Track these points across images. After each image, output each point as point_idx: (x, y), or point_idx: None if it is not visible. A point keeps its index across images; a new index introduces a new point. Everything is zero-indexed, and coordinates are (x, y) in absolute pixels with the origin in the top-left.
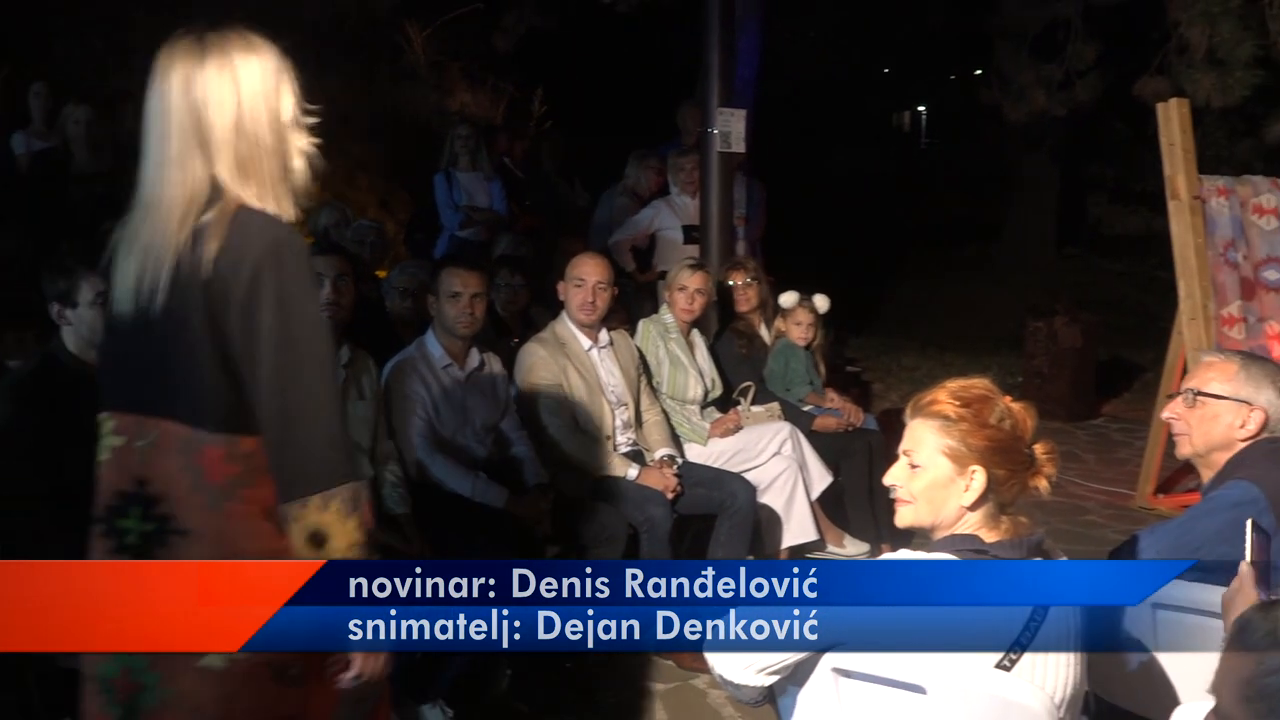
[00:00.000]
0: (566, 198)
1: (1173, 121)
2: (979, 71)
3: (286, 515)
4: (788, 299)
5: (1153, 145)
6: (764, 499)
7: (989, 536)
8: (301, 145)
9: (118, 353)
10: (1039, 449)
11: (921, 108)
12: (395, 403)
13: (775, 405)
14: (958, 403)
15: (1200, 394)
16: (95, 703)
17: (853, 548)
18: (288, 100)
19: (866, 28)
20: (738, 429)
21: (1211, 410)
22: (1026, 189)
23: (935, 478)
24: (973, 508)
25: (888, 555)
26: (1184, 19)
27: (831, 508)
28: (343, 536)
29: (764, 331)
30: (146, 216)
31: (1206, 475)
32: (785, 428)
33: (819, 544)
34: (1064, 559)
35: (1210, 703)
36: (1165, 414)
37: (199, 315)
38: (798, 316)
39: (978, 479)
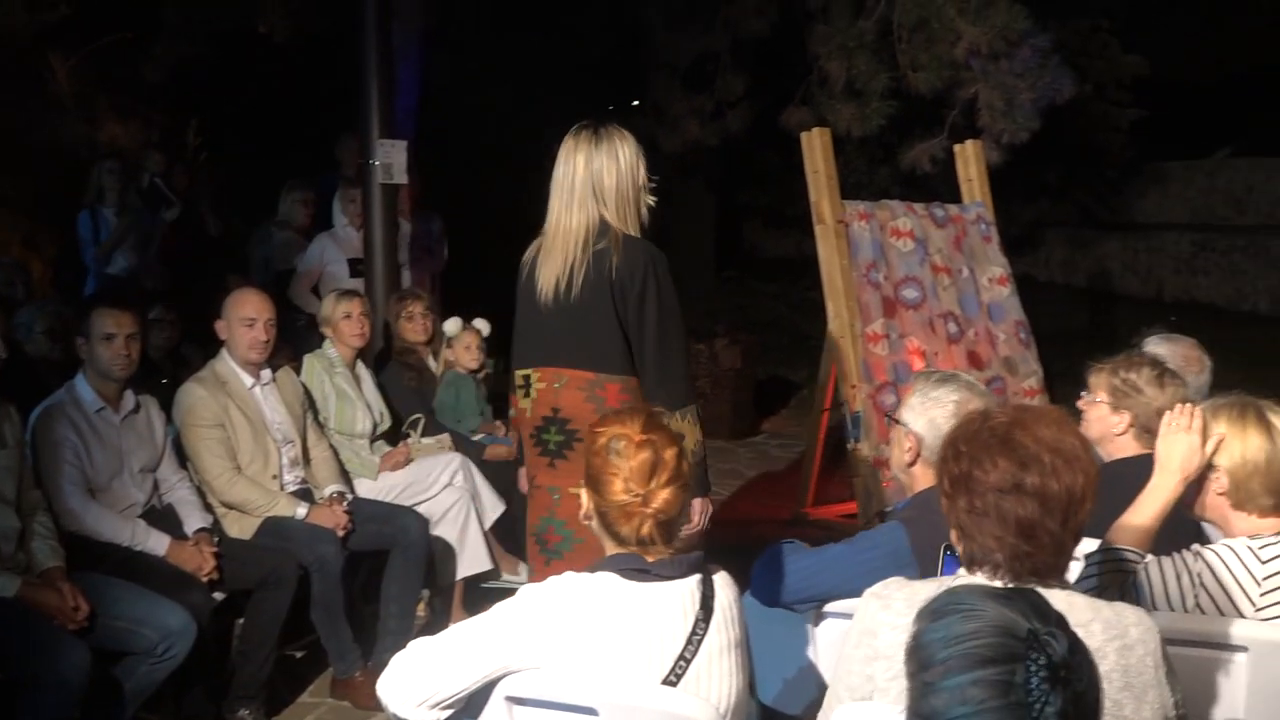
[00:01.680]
0: (212, 230)
1: (816, 150)
2: (636, 103)
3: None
4: (451, 325)
5: (800, 172)
6: (437, 531)
7: (650, 556)
8: (647, 198)
9: (536, 328)
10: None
11: None
12: (43, 450)
13: (445, 436)
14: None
15: (889, 417)
16: (533, 550)
17: (527, 575)
18: (641, 170)
19: (526, 59)
20: (408, 462)
21: (895, 433)
22: (685, 216)
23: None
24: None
25: (554, 578)
26: (824, 53)
27: (505, 536)
28: (691, 437)
29: (432, 363)
30: (556, 241)
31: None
32: (456, 459)
33: (494, 573)
34: (722, 573)
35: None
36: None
37: (605, 302)
38: (465, 340)
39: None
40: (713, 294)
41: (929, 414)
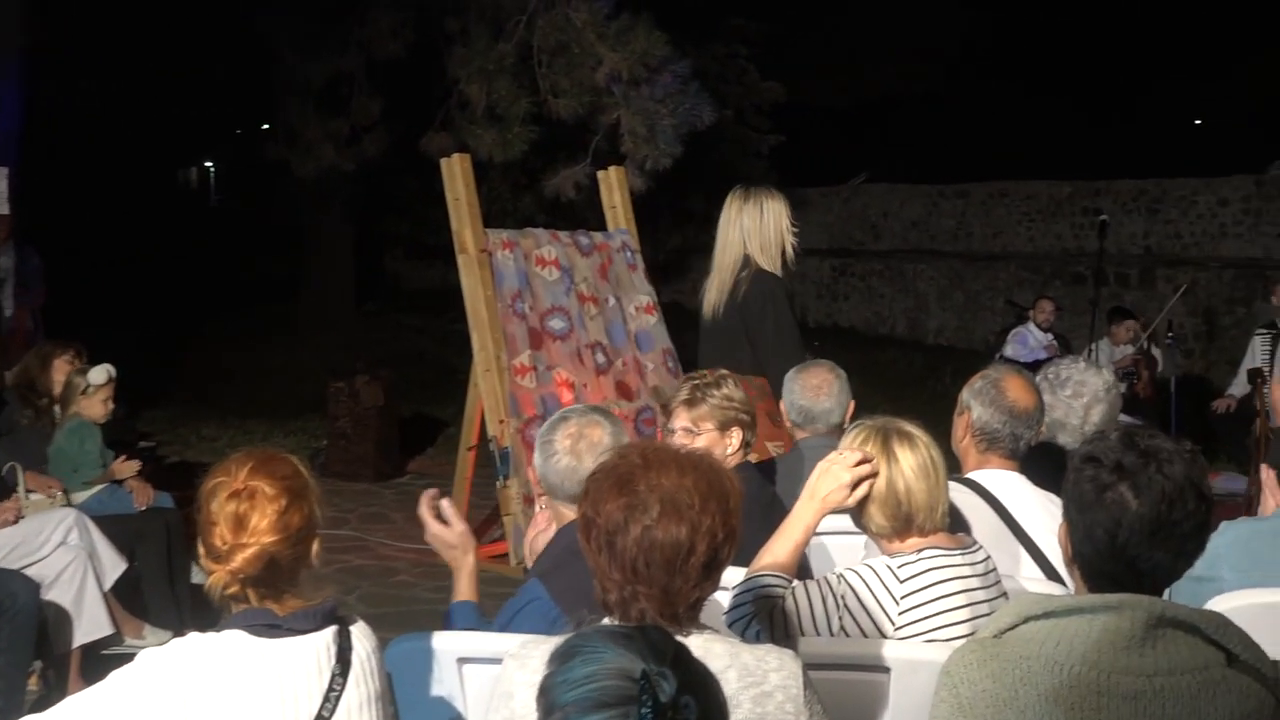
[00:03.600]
0: None
1: (457, 177)
2: (266, 126)
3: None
4: (98, 374)
5: (442, 200)
6: (49, 595)
7: (281, 609)
8: (790, 239)
9: (704, 340)
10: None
11: (209, 163)
12: None
13: (58, 491)
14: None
15: None
16: None
17: (154, 638)
18: (784, 219)
19: (145, 81)
20: (18, 519)
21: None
22: (323, 247)
23: None
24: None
25: (176, 640)
26: (463, 75)
27: (127, 596)
28: None
29: (56, 410)
30: (716, 274)
31: None
32: (70, 514)
33: (115, 638)
34: (360, 623)
35: None
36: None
37: (737, 320)
38: (105, 393)
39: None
40: (353, 328)
41: (541, 456)
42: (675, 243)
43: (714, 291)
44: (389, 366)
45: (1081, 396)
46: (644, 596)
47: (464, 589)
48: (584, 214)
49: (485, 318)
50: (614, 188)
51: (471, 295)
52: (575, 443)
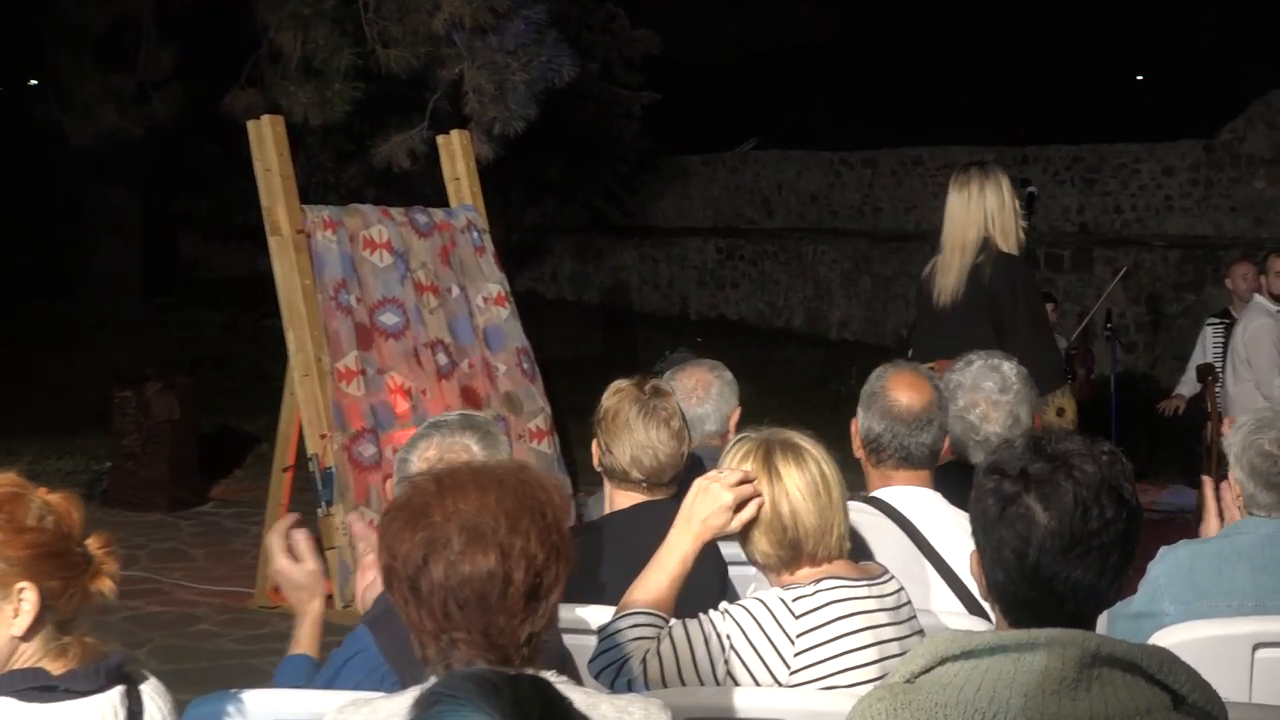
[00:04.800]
0: None
1: (267, 142)
2: (33, 82)
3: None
4: None
5: (249, 171)
6: None
7: (56, 668)
8: (1021, 222)
9: (934, 329)
10: (93, 544)
11: None
12: None
13: None
14: None
15: None
16: None
17: None
18: (1015, 199)
19: None
20: None
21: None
22: (104, 228)
23: None
24: (27, 636)
25: None
26: (273, 22)
27: None
28: (1070, 409)
29: None
30: (947, 256)
31: None
32: None
33: None
34: (151, 680)
35: None
36: None
37: (984, 301)
38: None
39: (28, 599)
40: (141, 326)
41: (400, 481)
42: (532, 220)
43: (954, 275)
44: (186, 372)
45: (976, 406)
46: (464, 644)
47: (304, 639)
48: (422, 187)
49: (303, 312)
50: (457, 156)
51: (286, 285)
52: (434, 466)
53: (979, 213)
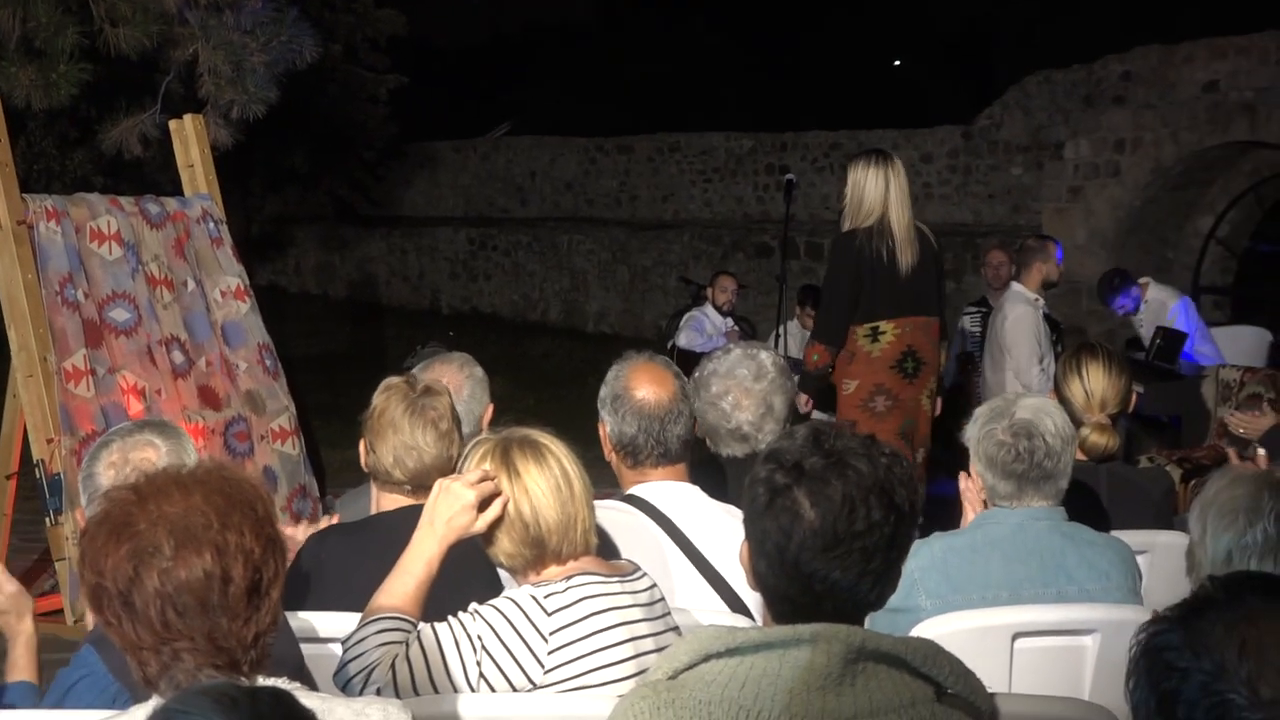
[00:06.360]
0: None
1: None
2: None
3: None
4: None
5: None
6: None
7: None
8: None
9: (888, 289)
10: None
11: None
12: None
13: None
14: None
15: None
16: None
17: None
18: (906, 181)
19: None
20: None
21: None
22: None
23: None
24: None
25: None
26: None
27: None
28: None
29: None
30: (900, 227)
31: None
32: None
33: None
34: None
35: None
36: None
37: (934, 267)
38: None
39: None
40: None
41: (86, 496)
42: (274, 210)
43: (902, 241)
44: None
45: (728, 393)
46: (188, 652)
47: (20, 664)
48: (154, 175)
49: (26, 308)
50: (191, 141)
51: (6, 279)
52: (120, 472)
53: (880, 193)
